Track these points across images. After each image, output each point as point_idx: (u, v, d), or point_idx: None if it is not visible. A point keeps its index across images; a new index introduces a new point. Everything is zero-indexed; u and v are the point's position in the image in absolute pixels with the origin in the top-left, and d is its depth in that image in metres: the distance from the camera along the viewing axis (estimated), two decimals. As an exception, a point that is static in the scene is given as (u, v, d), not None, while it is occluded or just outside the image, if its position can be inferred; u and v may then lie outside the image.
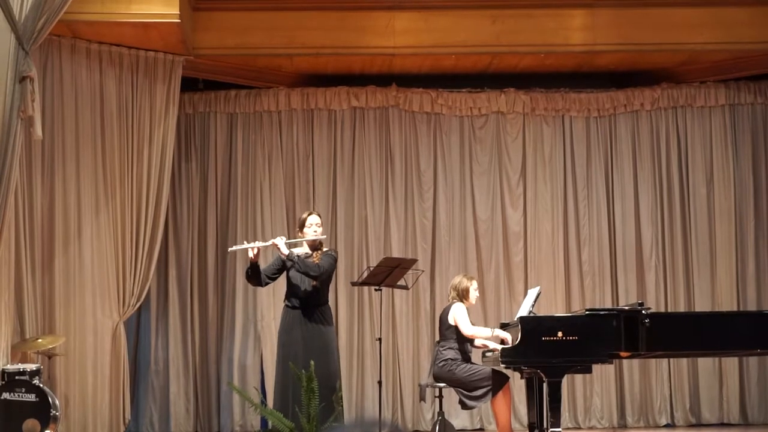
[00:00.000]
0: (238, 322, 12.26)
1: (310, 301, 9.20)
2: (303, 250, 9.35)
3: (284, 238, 9.29)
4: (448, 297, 10.08)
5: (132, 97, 11.42)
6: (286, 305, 9.30)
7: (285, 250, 9.14)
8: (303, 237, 9.33)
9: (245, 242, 9.44)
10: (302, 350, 9.05)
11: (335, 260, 9.38)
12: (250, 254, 9.18)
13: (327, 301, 9.37)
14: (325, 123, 12.59)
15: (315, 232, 9.30)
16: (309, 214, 9.42)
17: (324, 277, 9.22)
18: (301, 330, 9.16)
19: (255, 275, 9.30)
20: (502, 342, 9.50)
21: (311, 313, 9.19)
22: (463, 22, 11.70)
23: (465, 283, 9.94)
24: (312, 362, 8.63)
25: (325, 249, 9.39)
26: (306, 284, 9.17)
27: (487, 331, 9.72)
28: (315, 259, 9.22)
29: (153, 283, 11.86)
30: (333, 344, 9.37)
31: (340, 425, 8.48)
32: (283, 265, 9.30)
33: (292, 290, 9.26)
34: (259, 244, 9.28)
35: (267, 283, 9.50)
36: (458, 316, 9.70)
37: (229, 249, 9.96)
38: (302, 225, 9.37)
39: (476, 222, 12.64)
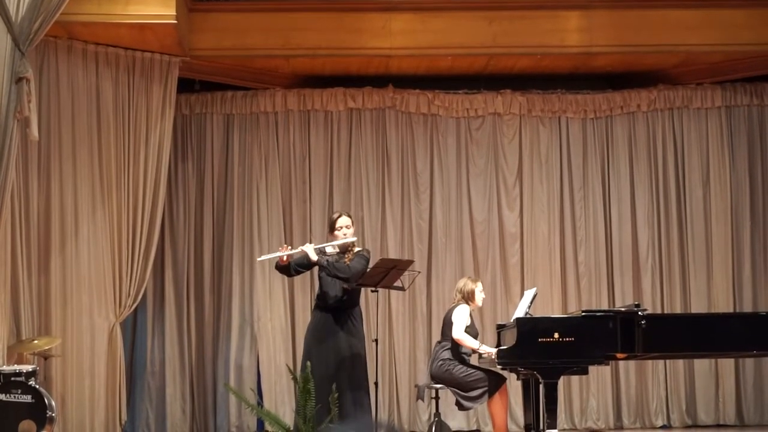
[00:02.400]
0: (235, 323, 12.26)
1: (341, 305, 9.25)
2: (333, 251, 9.37)
3: (312, 245, 9.27)
4: (454, 299, 10.07)
5: (128, 98, 11.41)
6: (318, 306, 9.33)
7: (314, 257, 9.11)
8: (333, 239, 9.32)
9: (279, 250, 9.31)
10: (333, 355, 9.12)
11: (367, 261, 9.32)
12: (282, 257, 9.21)
13: (358, 303, 9.41)
14: (321, 124, 12.59)
15: (344, 234, 9.27)
16: (339, 216, 9.37)
17: (355, 279, 9.18)
18: (332, 334, 9.19)
19: (284, 269, 9.32)
20: (498, 344, 9.53)
21: (342, 317, 9.23)
22: (460, 23, 11.71)
23: (470, 285, 9.96)
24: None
25: (357, 249, 9.38)
26: (337, 289, 9.20)
27: (474, 343, 9.73)
28: (347, 260, 9.22)
29: (149, 283, 11.86)
30: (363, 349, 9.37)
31: (337, 426, 8.49)
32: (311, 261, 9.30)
33: (323, 292, 9.28)
34: (288, 252, 9.23)
35: (295, 274, 9.50)
36: (456, 319, 9.72)
37: (258, 258, 9.84)
38: (332, 227, 9.34)
39: (473, 223, 12.64)
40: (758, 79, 12.70)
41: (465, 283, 10.02)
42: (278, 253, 9.21)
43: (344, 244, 9.27)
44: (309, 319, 9.63)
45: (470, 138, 12.76)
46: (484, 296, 10.14)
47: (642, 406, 12.45)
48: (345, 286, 9.19)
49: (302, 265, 9.30)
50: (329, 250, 9.34)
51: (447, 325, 9.84)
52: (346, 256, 9.25)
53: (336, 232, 9.29)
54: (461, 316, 9.74)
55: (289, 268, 9.30)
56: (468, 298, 9.91)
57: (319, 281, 9.33)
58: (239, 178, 12.42)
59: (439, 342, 9.94)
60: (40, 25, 8.76)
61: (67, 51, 10.98)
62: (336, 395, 8.41)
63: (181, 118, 12.40)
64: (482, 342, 9.94)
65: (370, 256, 9.43)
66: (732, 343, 9.07)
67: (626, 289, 12.55)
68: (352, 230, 9.34)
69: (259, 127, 12.52)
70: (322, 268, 9.16)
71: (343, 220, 9.31)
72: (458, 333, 9.69)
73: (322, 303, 9.27)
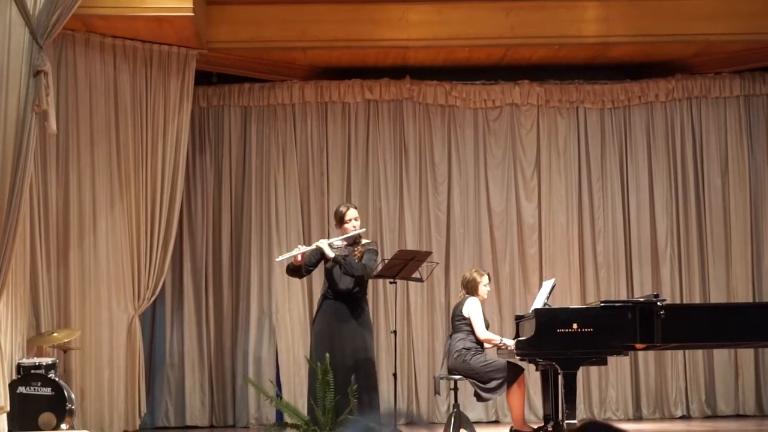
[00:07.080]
0: (253, 315, 12.28)
1: (352, 296, 9.28)
2: (342, 243, 9.40)
3: (326, 240, 9.39)
4: (460, 293, 10.08)
5: (146, 91, 11.43)
6: (326, 296, 9.34)
7: (330, 254, 9.23)
8: (343, 231, 9.38)
9: (297, 248, 9.42)
10: (339, 344, 9.13)
11: (377, 254, 9.44)
12: (297, 255, 9.29)
13: (366, 293, 9.46)
14: (339, 116, 12.59)
15: (354, 227, 9.34)
16: (347, 209, 9.43)
17: (368, 274, 9.29)
18: (346, 325, 9.20)
19: (296, 271, 9.43)
20: (516, 335, 9.52)
21: (354, 308, 9.26)
22: (477, 14, 11.68)
23: (476, 278, 9.96)
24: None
25: (364, 241, 9.44)
26: (348, 281, 9.22)
27: (497, 339, 9.80)
28: (357, 254, 9.28)
29: (168, 276, 11.90)
30: (372, 341, 9.48)
31: (356, 418, 8.50)
32: (321, 257, 9.34)
33: (331, 284, 9.29)
34: (303, 249, 9.33)
35: (306, 274, 9.64)
36: (473, 314, 9.73)
37: (276, 259, 9.80)
38: (341, 219, 9.38)
39: (491, 214, 12.63)
40: (777, 68, 12.67)
41: (471, 275, 10.04)
42: (294, 252, 9.29)
43: (352, 236, 9.34)
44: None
45: (488, 129, 12.74)
46: (488, 289, 10.16)
47: (661, 397, 12.42)
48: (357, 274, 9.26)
49: (312, 263, 9.44)
50: (338, 243, 9.39)
51: (458, 317, 9.85)
52: (356, 248, 9.31)
53: (346, 225, 9.34)
54: (477, 312, 9.74)
55: (300, 270, 9.41)
56: (472, 290, 9.91)
57: (327, 273, 9.34)
58: (257, 170, 12.44)
59: (451, 335, 9.95)
60: (57, 18, 8.75)
61: (84, 44, 11.01)
62: (354, 386, 8.44)
63: (199, 111, 12.43)
64: (501, 334, 9.96)
65: (378, 249, 9.51)
66: (751, 333, 9.05)
67: (645, 280, 12.53)
68: (359, 222, 9.45)
69: (276, 119, 12.53)
70: (338, 265, 9.21)
71: (352, 213, 9.40)
72: (484, 333, 9.73)
73: (331, 294, 9.30)
